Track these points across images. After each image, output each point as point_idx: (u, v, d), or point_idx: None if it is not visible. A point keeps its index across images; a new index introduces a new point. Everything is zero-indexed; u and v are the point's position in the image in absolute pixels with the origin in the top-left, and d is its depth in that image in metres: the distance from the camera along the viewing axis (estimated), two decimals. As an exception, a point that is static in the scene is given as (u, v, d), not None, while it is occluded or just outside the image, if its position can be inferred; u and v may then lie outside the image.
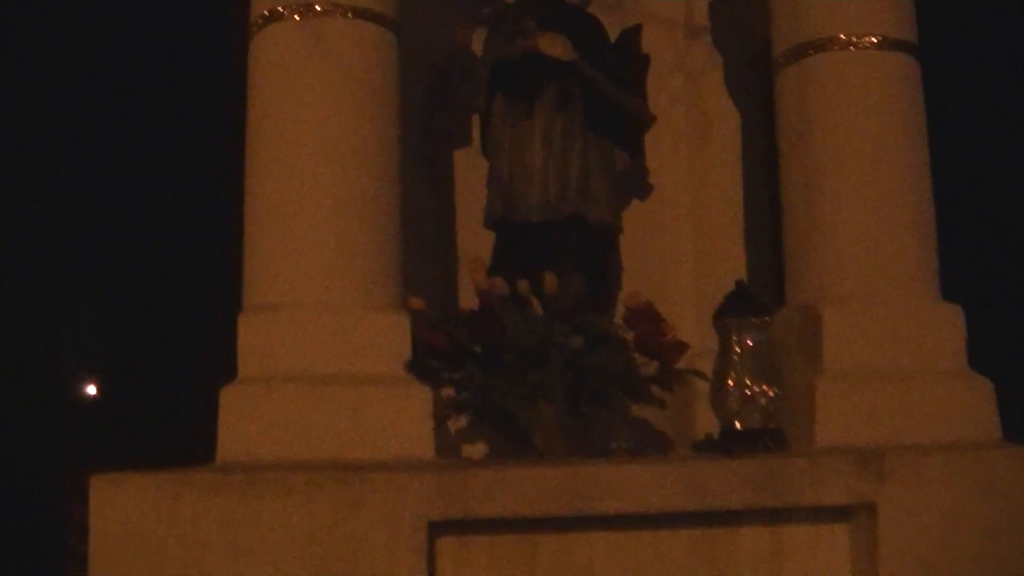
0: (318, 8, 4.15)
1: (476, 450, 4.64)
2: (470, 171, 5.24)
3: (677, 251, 5.27)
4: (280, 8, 4.16)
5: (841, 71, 4.31)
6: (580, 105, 4.92)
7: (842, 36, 4.31)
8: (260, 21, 4.21)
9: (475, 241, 5.07)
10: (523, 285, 4.20)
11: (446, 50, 5.36)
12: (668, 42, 5.33)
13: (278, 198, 4.07)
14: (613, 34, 5.19)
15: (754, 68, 5.00)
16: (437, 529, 3.52)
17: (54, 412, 10.73)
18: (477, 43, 5.29)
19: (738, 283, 4.20)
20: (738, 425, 4.02)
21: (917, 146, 4.31)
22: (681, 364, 4.44)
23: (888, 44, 4.30)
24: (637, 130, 5.11)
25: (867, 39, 4.29)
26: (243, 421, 3.80)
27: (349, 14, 4.17)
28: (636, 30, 5.14)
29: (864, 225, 4.21)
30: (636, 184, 5.29)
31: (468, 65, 5.27)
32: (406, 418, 3.87)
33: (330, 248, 4.02)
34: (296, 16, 4.15)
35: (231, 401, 3.83)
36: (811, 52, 4.36)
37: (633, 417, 4.72)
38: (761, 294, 4.39)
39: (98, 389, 12.24)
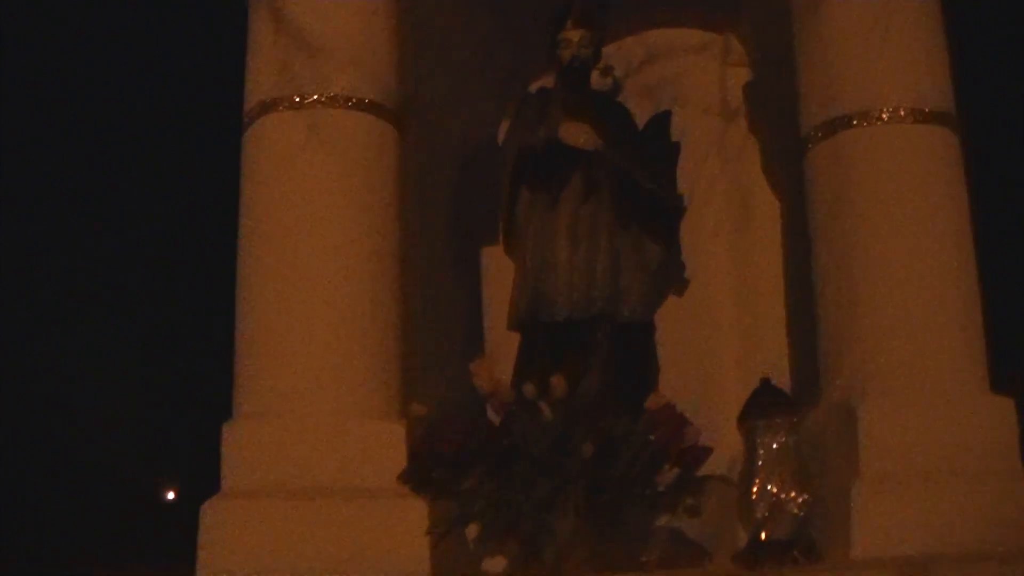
0: (314, 99, 4.03)
1: (496, 563, 4.33)
2: (500, 269, 5.00)
3: (719, 347, 4.99)
4: (275, 98, 4.04)
5: (875, 146, 4.06)
6: (607, 195, 4.66)
7: (875, 110, 4.07)
8: (254, 112, 4.10)
9: (506, 342, 4.80)
10: (528, 388, 3.90)
11: (474, 146, 5.17)
12: (704, 126, 5.10)
13: (269, 300, 3.92)
14: (645, 121, 4.95)
15: (793, 149, 4.71)
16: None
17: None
18: (502, 136, 5.08)
19: (763, 380, 3.90)
20: (763, 536, 3.67)
21: (958, 222, 4.03)
22: (721, 469, 4.12)
23: (923, 116, 4.06)
24: (669, 220, 4.82)
25: (901, 112, 4.04)
26: (225, 537, 3.62)
27: (346, 104, 4.04)
28: (666, 116, 4.90)
29: (903, 312, 3.90)
30: (673, 277, 5.00)
31: (495, 160, 5.06)
32: (400, 533, 3.67)
33: (322, 353, 3.84)
34: (291, 107, 4.02)
35: (212, 516, 3.65)
36: (843, 127, 4.12)
37: (667, 526, 4.38)
38: (795, 390, 4.06)
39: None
